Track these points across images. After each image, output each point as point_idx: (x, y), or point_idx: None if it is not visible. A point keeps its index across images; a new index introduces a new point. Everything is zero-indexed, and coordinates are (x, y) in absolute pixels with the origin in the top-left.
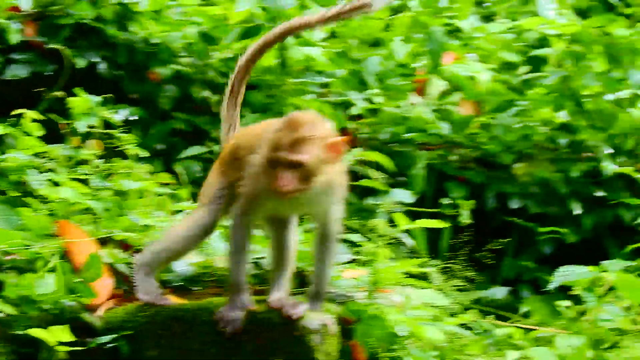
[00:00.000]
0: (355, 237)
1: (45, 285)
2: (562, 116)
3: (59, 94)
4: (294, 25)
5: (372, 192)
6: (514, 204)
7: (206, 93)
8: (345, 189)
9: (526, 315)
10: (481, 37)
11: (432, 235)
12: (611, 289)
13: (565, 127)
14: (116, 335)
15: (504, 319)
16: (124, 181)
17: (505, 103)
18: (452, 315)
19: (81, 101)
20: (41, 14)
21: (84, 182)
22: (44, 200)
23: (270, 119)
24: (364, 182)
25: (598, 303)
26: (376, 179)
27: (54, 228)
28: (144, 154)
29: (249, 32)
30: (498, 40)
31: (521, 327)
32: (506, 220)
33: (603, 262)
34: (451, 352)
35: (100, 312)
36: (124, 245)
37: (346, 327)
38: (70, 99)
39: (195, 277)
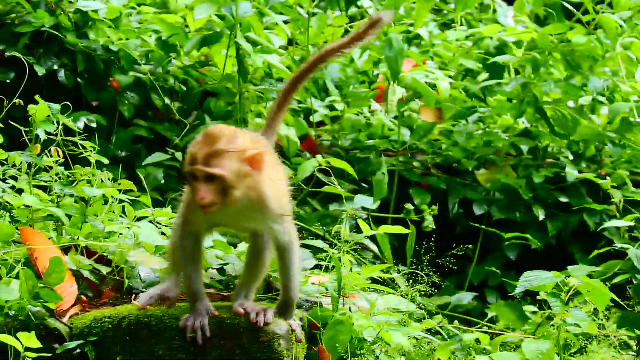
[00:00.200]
0: (319, 243)
1: (9, 291)
2: (523, 123)
3: (18, 101)
4: (329, 50)
5: (335, 198)
6: (478, 210)
7: (167, 100)
8: (286, 202)
9: (492, 321)
10: (440, 44)
11: (397, 241)
12: (577, 293)
13: (526, 134)
14: (83, 341)
15: (471, 324)
16: (86, 188)
17: (466, 110)
18: (419, 320)
19: (41, 108)
20: None
21: (46, 189)
22: (6, 207)
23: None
24: (326, 189)
25: (563, 308)
26: (335, 186)
27: (17, 235)
28: (104, 160)
29: (207, 40)
30: (457, 48)
31: (488, 332)
32: (471, 225)
33: (568, 267)
34: (419, 357)
35: (66, 318)
36: (88, 252)
37: (313, 332)
38: (30, 107)
39: (158, 283)
